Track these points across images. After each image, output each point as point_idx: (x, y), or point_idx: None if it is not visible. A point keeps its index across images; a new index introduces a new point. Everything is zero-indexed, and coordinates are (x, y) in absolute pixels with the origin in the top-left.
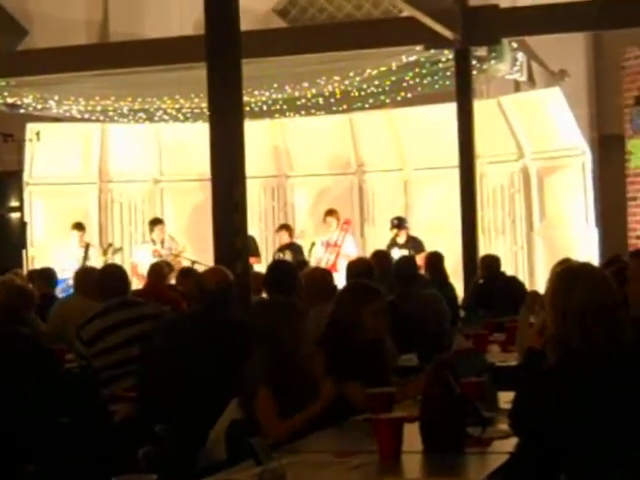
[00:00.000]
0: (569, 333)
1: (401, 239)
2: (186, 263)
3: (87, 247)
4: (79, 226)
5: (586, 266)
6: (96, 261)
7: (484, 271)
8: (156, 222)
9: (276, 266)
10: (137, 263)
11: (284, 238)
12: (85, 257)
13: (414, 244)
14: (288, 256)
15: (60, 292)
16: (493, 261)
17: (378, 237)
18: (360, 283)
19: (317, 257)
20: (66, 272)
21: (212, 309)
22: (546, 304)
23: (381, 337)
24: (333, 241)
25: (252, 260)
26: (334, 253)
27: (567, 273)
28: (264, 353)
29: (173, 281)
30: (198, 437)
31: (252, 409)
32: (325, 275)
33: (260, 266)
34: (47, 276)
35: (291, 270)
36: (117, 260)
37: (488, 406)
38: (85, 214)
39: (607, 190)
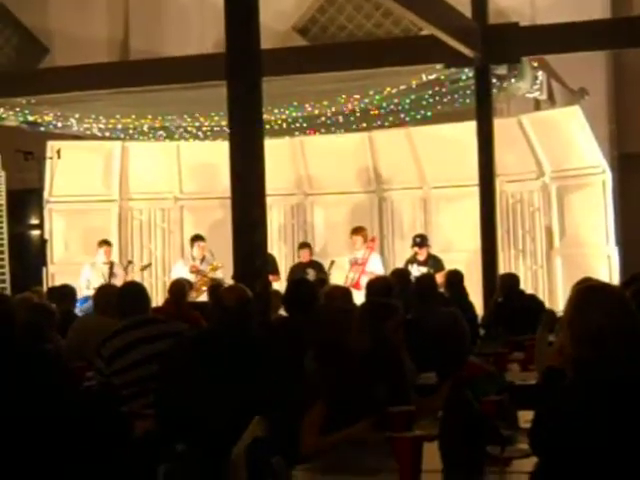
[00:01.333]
0: (586, 353)
1: (421, 257)
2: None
3: (112, 265)
4: (106, 243)
5: (604, 286)
6: (123, 279)
7: (503, 290)
8: (196, 239)
9: (296, 284)
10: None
11: (306, 256)
12: (110, 274)
13: (434, 262)
14: (312, 274)
15: (86, 310)
16: (512, 280)
17: (397, 254)
18: (378, 300)
19: (346, 276)
20: (93, 289)
21: (231, 327)
22: (563, 324)
23: (400, 352)
24: (359, 259)
25: (271, 278)
26: (358, 271)
27: (585, 293)
28: (326, 365)
29: (204, 297)
30: (219, 455)
31: (295, 417)
32: (345, 293)
33: (279, 284)
34: (67, 293)
35: (311, 288)
36: (137, 277)
37: (508, 425)
38: (105, 232)
39: (628, 208)
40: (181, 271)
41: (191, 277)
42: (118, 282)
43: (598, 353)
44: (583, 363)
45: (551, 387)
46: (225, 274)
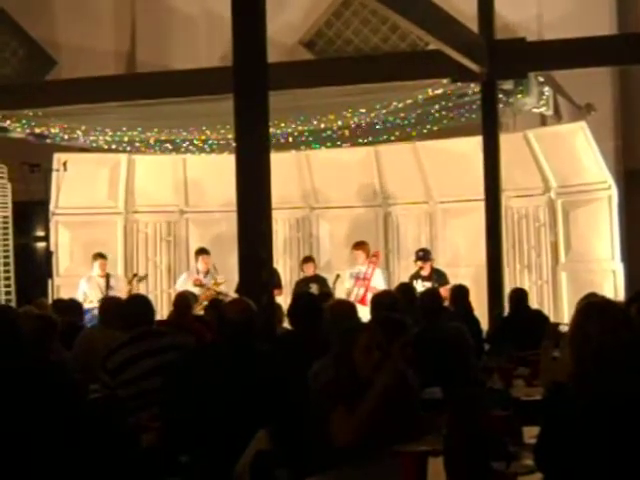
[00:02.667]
0: (587, 369)
1: (425, 271)
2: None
3: (107, 277)
4: (101, 256)
5: (606, 302)
6: (120, 291)
7: (512, 304)
8: (201, 252)
9: (301, 298)
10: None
11: (311, 270)
12: (107, 287)
13: (438, 277)
14: (315, 288)
15: (86, 322)
16: (520, 294)
17: (402, 269)
18: (389, 316)
19: (346, 289)
20: (89, 302)
21: (234, 340)
22: (566, 340)
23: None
24: (362, 274)
25: (274, 292)
26: (363, 287)
27: (586, 309)
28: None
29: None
30: (223, 467)
31: (299, 430)
32: (349, 308)
33: (282, 298)
34: (72, 306)
35: (315, 302)
36: (142, 289)
37: (513, 441)
38: (110, 244)
39: (633, 224)
40: (185, 284)
41: (195, 290)
42: (115, 294)
43: (599, 368)
44: (585, 378)
45: (556, 403)
46: (228, 287)
